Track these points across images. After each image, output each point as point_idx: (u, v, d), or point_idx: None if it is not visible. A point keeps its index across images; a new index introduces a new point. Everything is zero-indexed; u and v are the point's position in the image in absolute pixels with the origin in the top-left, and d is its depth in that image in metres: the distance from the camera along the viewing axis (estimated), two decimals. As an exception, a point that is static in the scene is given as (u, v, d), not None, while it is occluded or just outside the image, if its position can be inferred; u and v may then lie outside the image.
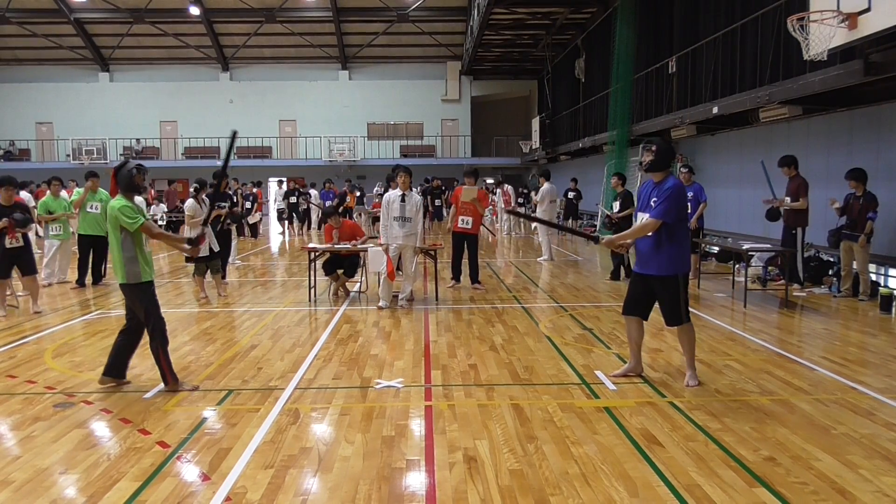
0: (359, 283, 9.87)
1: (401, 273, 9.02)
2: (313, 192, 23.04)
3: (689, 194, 10.68)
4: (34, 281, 8.83)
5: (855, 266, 9.18)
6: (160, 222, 22.76)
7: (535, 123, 28.95)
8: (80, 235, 10.85)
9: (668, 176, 5.31)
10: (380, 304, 8.77)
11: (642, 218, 5.34)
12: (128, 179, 5.34)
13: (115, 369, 5.44)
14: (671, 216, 5.15)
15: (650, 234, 5.24)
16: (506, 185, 22.29)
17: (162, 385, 5.39)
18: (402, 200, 8.75)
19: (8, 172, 9.78)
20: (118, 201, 5.28)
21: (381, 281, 8.85)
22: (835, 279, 9.77)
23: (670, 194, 5.14)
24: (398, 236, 8.78)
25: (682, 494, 3.54)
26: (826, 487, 3.61)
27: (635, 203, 13.43)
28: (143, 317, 5.32)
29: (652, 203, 5.24)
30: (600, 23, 21.65)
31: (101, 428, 4.59)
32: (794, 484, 3.65)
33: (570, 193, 21.02)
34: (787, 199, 9.82)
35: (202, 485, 3.71)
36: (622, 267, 11.12)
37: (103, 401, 5.12)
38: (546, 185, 14.24)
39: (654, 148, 5.31)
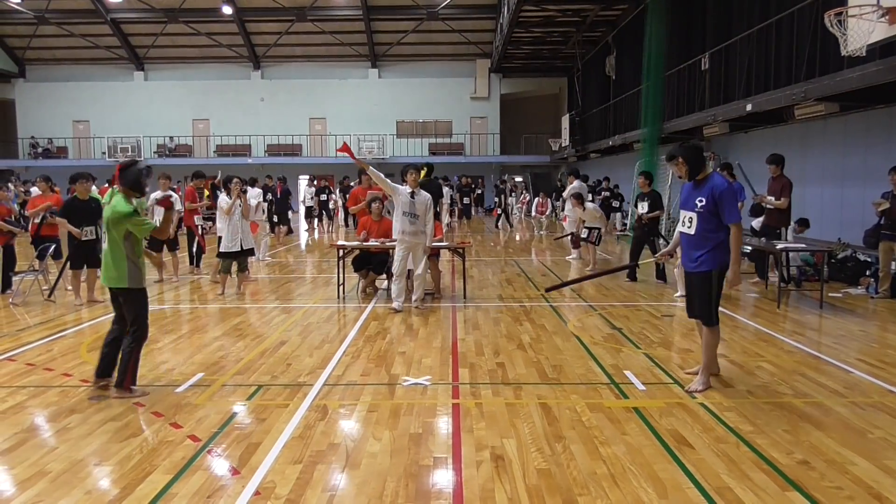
0: (387, 281, 9.89)
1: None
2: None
3: None
4: (95, 273, 9.16)
5: (894, 267, 8.96)
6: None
7: (565, 121, 28.75)
8: None
9: (708, 173, 5.19)
10: (393, 305, 8.51)
11: (686, 216, 5.22)
12: (136, 179, 5.22)
13: (103, 370, 5.34)
14: (738, 214, 5.12)
15: (694, 232, 5.16)
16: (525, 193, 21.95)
17: (198, 376, 5.48)
18: (412, 197, 8.51)
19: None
20: (121, 203, 5.11)
21: (392, 282, 8.65)
22: (872, 280, 9.55)
23: (727, 195, 5.03)
24: (407, 233, 8.48)
25: (713, 497, 3.49)
26: (862, 493, 3.53)
27: (664, 204, 13.10)
28: (132, 320, 5.19)
29: (698, 203, 5.10)
30: (631, 19, 21.43)
31: (134, 421, 4.67)
32: (829, 488, 3.58)
33: (603, 193, 20.77)
34: (771, 198, 9.68)
35: (232, 479, 3.76)
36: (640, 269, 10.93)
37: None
38: (576, 183, 14.12)
39: (680, 160, 5.18)
